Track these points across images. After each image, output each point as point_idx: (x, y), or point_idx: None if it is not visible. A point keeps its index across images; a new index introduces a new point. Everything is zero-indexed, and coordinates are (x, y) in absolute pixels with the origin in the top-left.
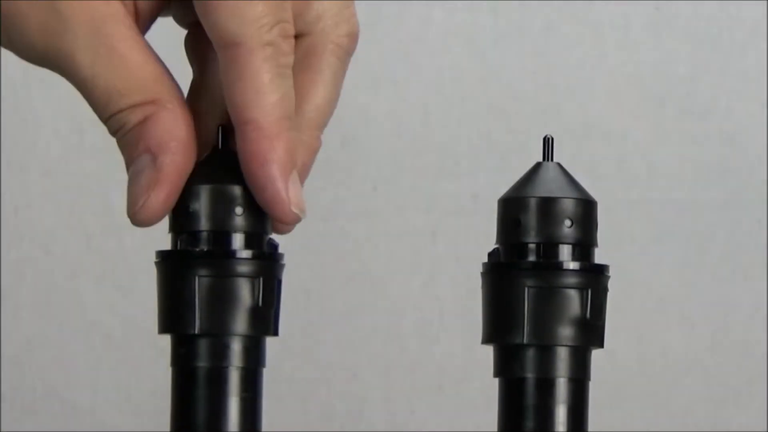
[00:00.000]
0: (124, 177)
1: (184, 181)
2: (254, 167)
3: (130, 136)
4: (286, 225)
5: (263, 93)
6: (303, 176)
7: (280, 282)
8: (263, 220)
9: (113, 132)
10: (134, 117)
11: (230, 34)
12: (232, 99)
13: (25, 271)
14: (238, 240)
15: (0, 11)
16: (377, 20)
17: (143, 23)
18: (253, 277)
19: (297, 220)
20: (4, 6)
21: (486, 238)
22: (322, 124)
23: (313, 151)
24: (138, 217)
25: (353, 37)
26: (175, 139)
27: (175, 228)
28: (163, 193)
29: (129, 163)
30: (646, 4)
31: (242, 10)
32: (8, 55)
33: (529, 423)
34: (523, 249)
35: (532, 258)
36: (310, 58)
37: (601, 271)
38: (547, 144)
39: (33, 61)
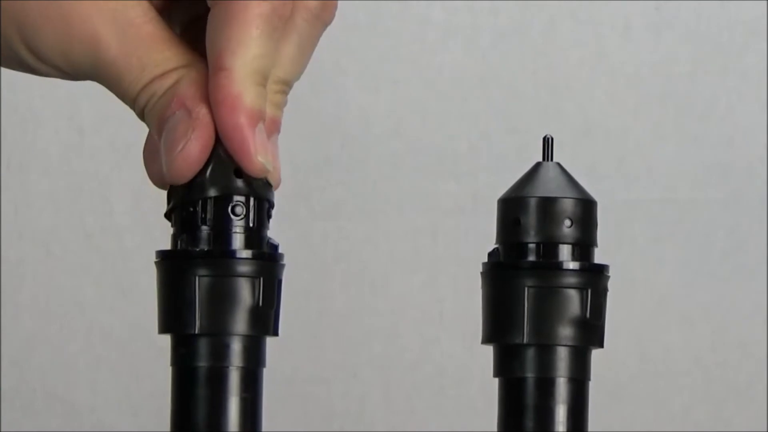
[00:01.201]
0: (124, 177)
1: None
2: (223, 114)
3: (163, 100)
4: (255, 175)
5: (246, 46)
6: (274, 128)
7: (280, 282)
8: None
9: (143, 105)
10: (167, 81)
11: None
12: (215, 44)
13: (25, 271)
14: (238, 240)
15: (11, 21)
16: (377, 20)
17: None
18: (253, 277)
19: (263, 169)
20: (21, 14)
21: (486, 238)
22: (286, 81)
23: (279, 106)
24: (176, 165)
25: (327, 6)
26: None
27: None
28: (201, 139)
29: (162, 126)
30: (646, 4)
31: None
32: None
33: (529, 423)
34: (522, 249)
35: (531, 258)
36: None
37: (601, 270)
38: (547, 144)
39: (54, 61)
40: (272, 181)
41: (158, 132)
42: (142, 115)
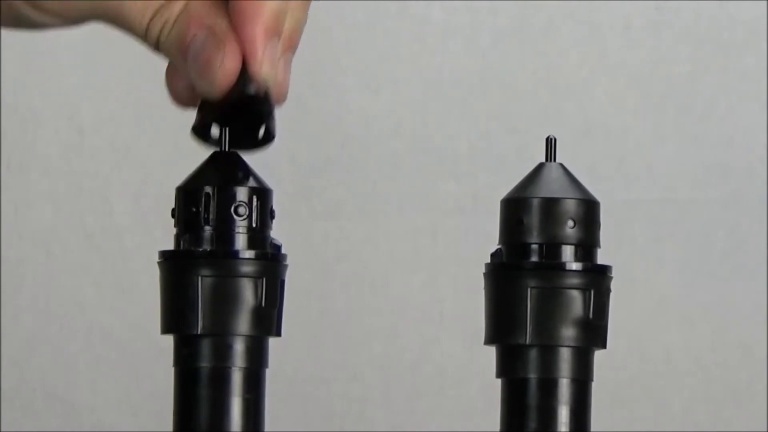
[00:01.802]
0: (124, 177)
1: None
2: (240, 23)
3: (178, 26)
4: (257, 84)
5: None
6: (290, 45)
7: (283, 282)
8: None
9: (156, 35)
10: (176, 7)
11: None
12: None
13: (25, 271)
14: (241, 240)
15: None
16: (377, 20)
17: None
18: (256, 278)
19: (263, 83)
20: None
21: (486, 238)
22: None
23: (299, 22)
24: (217, 80)
25: None
26: (222, 10)
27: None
28: (236, 49)
29: (185, 50)
30: (646, 4)
31: None
32: (9, 54)
33: (532, 424)
34: (525, 249)
35: (534, 258)
36: None
37: (604, 271)
38: (550, 144)
39: (52, 5)
40: (275, 96)
41: (181, 57)
42: (156, 46)
